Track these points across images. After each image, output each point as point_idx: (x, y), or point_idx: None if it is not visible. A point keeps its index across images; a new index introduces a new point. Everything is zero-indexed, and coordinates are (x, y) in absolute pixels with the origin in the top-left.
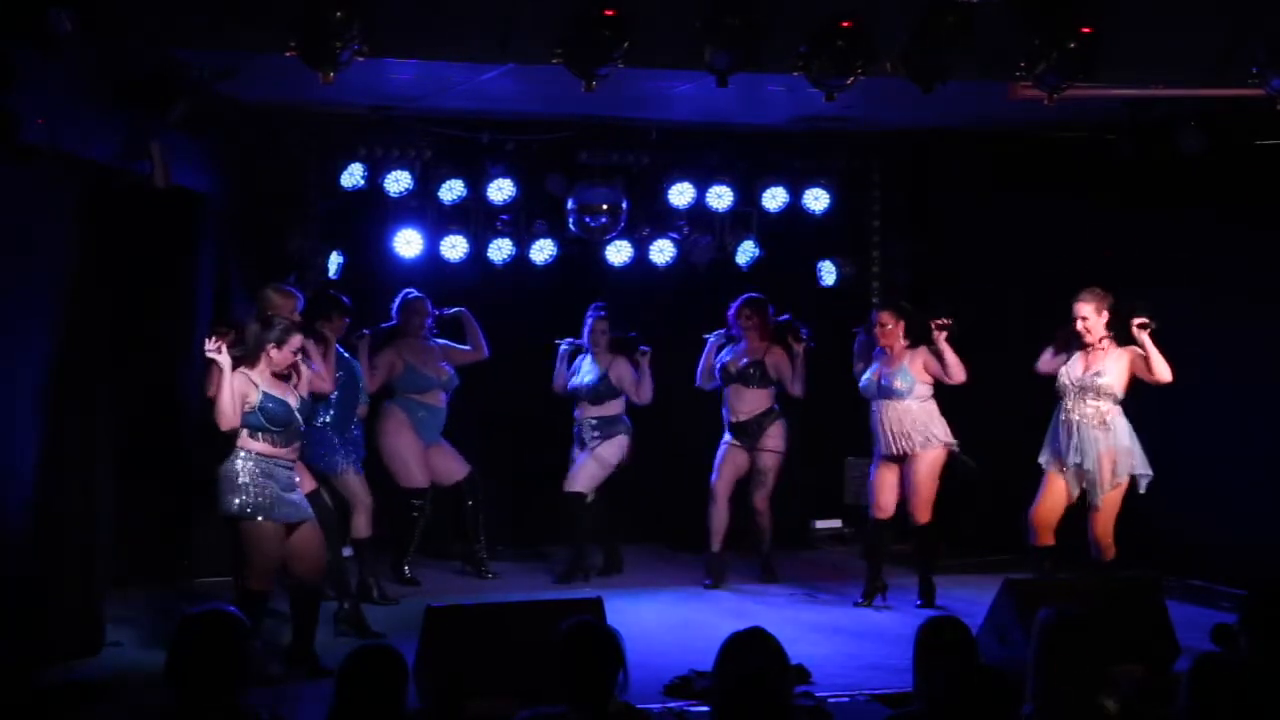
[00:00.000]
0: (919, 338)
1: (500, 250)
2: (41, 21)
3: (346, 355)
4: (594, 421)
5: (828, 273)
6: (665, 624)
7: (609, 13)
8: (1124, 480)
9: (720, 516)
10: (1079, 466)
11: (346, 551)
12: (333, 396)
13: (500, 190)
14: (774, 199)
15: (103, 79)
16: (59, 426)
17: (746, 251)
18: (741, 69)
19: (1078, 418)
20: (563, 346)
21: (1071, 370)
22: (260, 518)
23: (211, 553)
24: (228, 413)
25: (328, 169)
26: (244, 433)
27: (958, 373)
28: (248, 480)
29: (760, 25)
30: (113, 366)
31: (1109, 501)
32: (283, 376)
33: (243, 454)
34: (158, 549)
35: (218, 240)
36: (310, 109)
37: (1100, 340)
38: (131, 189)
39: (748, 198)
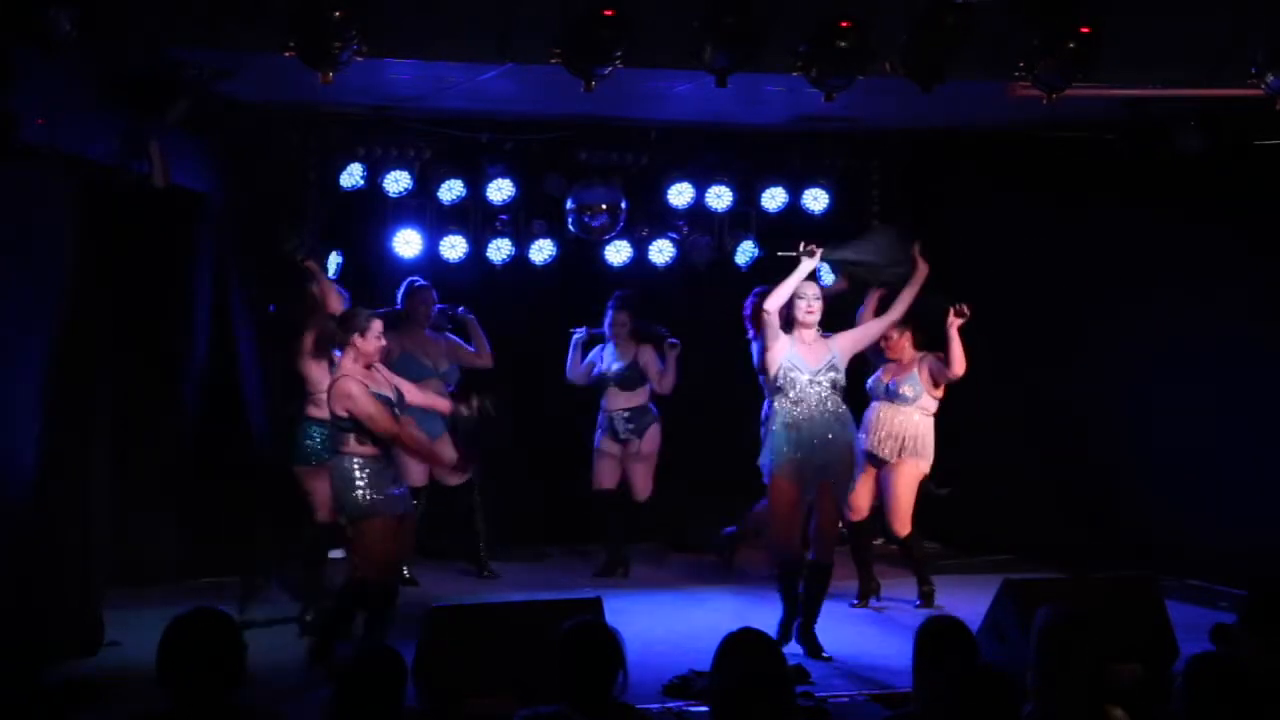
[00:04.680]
0: (929, 332)
1: (499, 250)
2: (41, 21)
3: None
4: (626, 414)
5: (827, 273)
6: (665, 624)
7: (608, 13)
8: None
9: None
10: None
11: (339, 554)
12: None
13: (499, 190)
14: (773, 199)
15: (102, 79)
16: (58, 426)
17: (746, 251)
18: (740, 69)
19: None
20: (577, 335)
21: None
22: (377, 513)
23: (212, 553)
24: (382, 419)
25: (327, 169)
26: (350, 439)
27: (959, 365)
28: (364, 481)
29: (759, 25)
30: (112, 366)
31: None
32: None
33: (357, 460)
34: (158, 549)
35: (217, 240)
36: (309, 109)
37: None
38: (131, 189)
39: (747, 198)
